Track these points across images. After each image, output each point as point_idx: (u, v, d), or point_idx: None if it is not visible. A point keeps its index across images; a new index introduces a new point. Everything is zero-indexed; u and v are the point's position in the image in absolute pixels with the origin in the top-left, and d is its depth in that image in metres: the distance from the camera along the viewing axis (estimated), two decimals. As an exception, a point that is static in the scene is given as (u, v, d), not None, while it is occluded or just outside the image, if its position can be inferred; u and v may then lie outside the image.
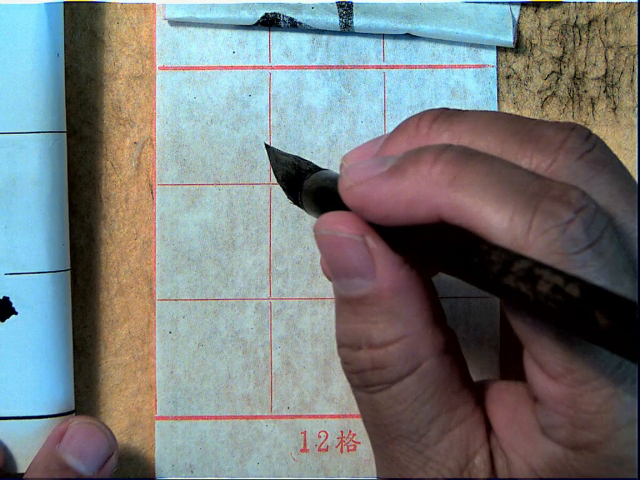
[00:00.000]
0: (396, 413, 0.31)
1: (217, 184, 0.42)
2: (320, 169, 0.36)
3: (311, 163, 0.37)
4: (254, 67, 0.42)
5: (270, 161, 0.39)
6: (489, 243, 0.27)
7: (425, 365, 0.31)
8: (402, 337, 0.31)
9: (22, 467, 0.39)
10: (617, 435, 0.28)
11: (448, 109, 0.32)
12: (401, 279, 0.31)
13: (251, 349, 0.42)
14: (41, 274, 0.39)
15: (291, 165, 0.36)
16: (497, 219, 0.28)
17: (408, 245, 0.30)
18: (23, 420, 0.39)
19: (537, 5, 0.42)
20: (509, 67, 0.42)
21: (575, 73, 0.42)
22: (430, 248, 0.29)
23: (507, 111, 0.42)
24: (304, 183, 0.36)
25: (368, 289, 0.31)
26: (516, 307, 0.27)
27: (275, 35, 0.42)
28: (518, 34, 0.42)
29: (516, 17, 0.42)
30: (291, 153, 0.38)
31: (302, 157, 0.39)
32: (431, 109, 0.32)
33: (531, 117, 0.42)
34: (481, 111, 0.32)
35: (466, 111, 0.32)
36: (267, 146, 0.40)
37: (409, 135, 0.32)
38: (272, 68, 0.42)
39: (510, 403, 0.32)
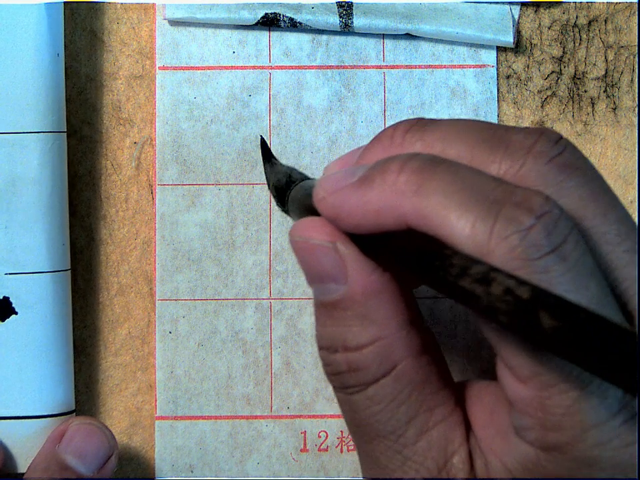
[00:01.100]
0: (373, 413, 0.32)
1: (217, 184, 0.42)
2: (309, 179, 0.37)
3: (304, 174, 0.37)
4: (254, 67, 0.42)
5: (264, 167, 0.39)
6: (452, 248, 0.28)
7: (400, 366, 0.31)
8: (376, 340, 0.31)
9: (22, 466, 0.39)
10: (585, 437, 0.28)
11: (423, 118, 0.33)
12: (373, 283, 0.31)
13: (250, 349, 0.42)
14: (41, 274, 0.39)
15: (283, 173, 0.37)
16: (459, 226, 0.28)
17: (379, 250, 0.31)
18: (23, 420, 0.39)
19: (537, 4, 0.42)
20: (509, 67, 0.42)
21: (575, 73, 0.42)
22: (398, 253, 0.30)
23: (507, 111, 0.42)
24: (290, 192, 0.36)
25: (341, 293, 0.31)
26: (472, 310, 0.28)
27: (275, 35, 0.42)
28: (518, 34, 0.42)
29: (516, 17, 0.42)
30: (286, 165, 0.39)
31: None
32: (407, 119, 0.33)
33: (531, 116, 0.42)
34: (455, 119, 0.32)
35: (440, 120, 0.33)
36: (264, 153, 0.40)
37: (384, 145, 0.33)
38: (272, 68, 0.42)
39: (488, 403, 0.32)
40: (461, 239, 0.28)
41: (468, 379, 0.38)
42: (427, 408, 0.32)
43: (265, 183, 0.42)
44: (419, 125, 0.32)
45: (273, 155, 0.39)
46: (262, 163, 0.42)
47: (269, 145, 0.42)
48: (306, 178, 0.37)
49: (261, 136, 0.41)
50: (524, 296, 0.25)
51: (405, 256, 0.29)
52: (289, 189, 0.36)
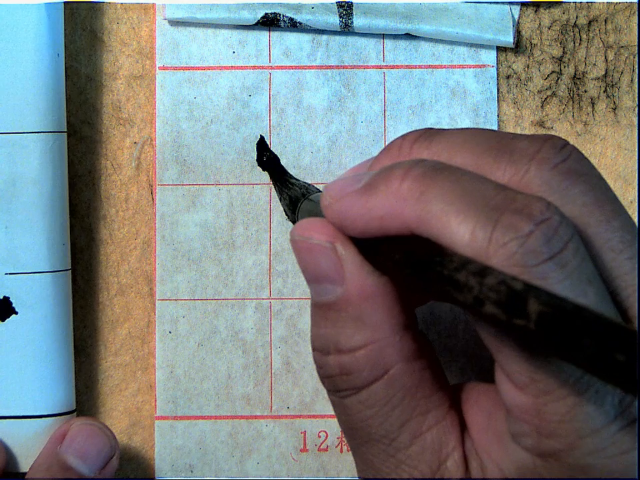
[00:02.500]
0: (366, 417, 0.32)
1: (217, 184, 0.42)
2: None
3: (320, 190, 0.37)
4: (254, 67, 0.42)
5: (276, 182, 0.40)
6: (454, 251, 0.28)
7: (392, 371, 0.31)
8: (369, 343, 0.31)
9: (24, 466, 0.39)
10: (580, 444, 0.28)
11: (431, 128, 0.33)
12: (369, 286, 0.32)
13: (250, 348, 0.42)
14: (41, 274, 0.39)
15: (300, 186, 0.38)
16: (459, 232, 0.28)
17: (382, 252, 0.31)
18: (23, 419, 0.39)
19: (537, 4, 0.42)
20: (509, 67, 0.42)
21: (575, 73, 0.42)
22: (401, 252, 0.30)
23: (507, 111, 0.42)
24: (301, 204, 0.37)
25: (337, 294, 0.32)
26: (461, 305, 0.28)
27: (275, 34, 0.42)
28: (518, 34, 0.42)
29: (516, 17, 0.42)
30: (303, 181, 0.39)
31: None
32: (415, 130, 0.33)
33: (531, 116, 0.42)
34: (462, 129, 0.33)
35: (447, 130, 0.33)
36: (277, 170, 0.40)
37: (393, 155, 0.33)
38: (272, 68, 0.42)
39: (486, 407, 0.32)
40: (461, 245, 0.28)
41: (468, 379, 0.38)
42: (420, 412, 0.32)
43: (265, 183, 0.42)
44: (427, 134, 0.33)
45: (287, 171, 0.40)
46: (258, 163, 0.42)
47: (268, 144, 0.42)
48: (318, 190, 0.38)
49: (261, 135, 0.41)
50: (517, 287, 0.26)
51: (406, 255, 0.29)
52: (300, 202, 0.37)
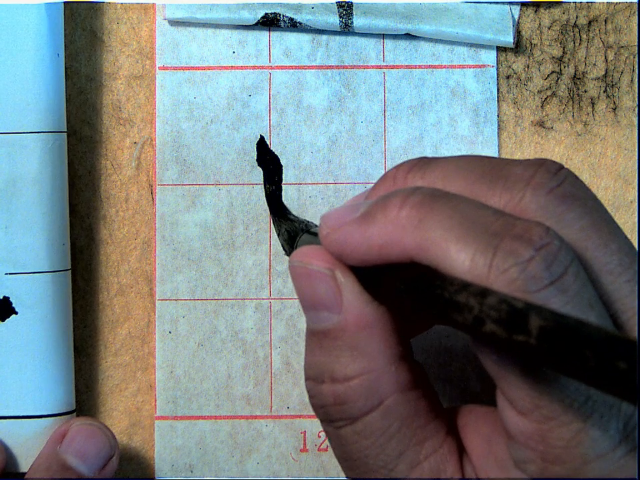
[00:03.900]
0: (363, 448, 0.32)
1: (217, 184, 0.42)
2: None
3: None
4: (254, 67, 0.42)
5: (273, 216, 0.40)
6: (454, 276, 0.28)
7: (388, 401, 0.31)
8: (364, 373, 0.31)
9: (23, 466, 0.39)
10: (586, 470, 0.28)
11: (424, 157, 0.33)
12: (367, 315, 0.32)
13: (250, 348, 0.42)
14: (41, 274, 0.39)
15: (300, 222, 0.38)
16: (459, 259, 0.28)
17: (382, 280, 0.31)
18: (23, 419, 0.39)
19: (537, 4, 0.42)
20: (509, 67, 0.42)
21: (575, 73, 0.42)
22: (401, 278, 0.30)
23: (507, 111, 0.42)
24: (300, 237, 0.37)
25: (333, 322, 0.32)
26: (461, 327, 0.28)
27: (275, 34, 0.42)
28: (518, 34, 0.42)
29: (516, 17, 0.42)
30: (303, 218, 0.40)
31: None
32: (409, 160, 0.34)
33: (531, 116, 0.42)
34: (455, 156, 0.33)
35: (441, 158, 0.33)
36: (277, 206, 0.41)
37: (387, 185, 0.33)
38: (272, 68, 0.42)
39: (485, 433, 0.32)
40: (461, 272, 0.28)
41: (471, 385, 0.38)
42: (417, 441, 0.31)
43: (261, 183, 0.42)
44: (420, 164, 0.33)
45: (286, 207, 0.40)
46: (258, 163, 0.42)
47: (268, 144, 0.42)
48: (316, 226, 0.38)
49: (261, 135, 0.41)
50: (518, 305, 0.26)
51: (407, 281, 0.30)
52: (299, 235, 0.37)
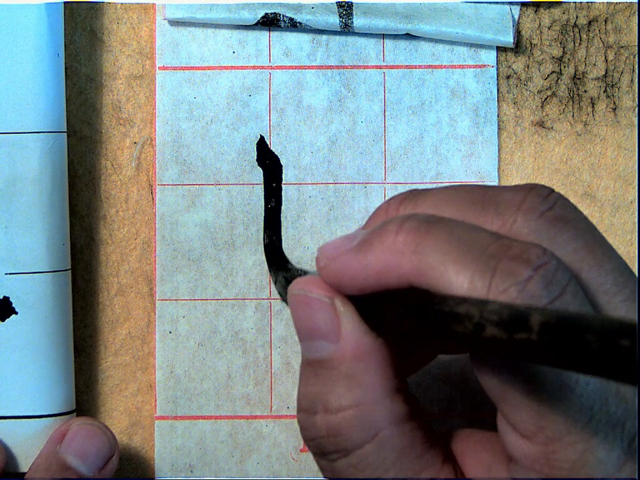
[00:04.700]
0: None
1: (217, 184, 0.42)
2: None
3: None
4: (254, 67, 0.42)
5: (270, 266, 0.41)
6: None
7: (382, 433, 0.31)
8: (359, 404, 0.31)
9: (23, 466, 0.39)
10: None
11: (415, 190, 0.34)
12: (365, 346, 0.31)
13: (250, 348, 0.42)
14: (41, 274, 0.39)
15: (297, 270, 0.38)
16: (458, 281, 0.28)
17: (381, 307, 0.31)
18: (23, 419, 0.39)
19: (537, 4, 0.42)
20: (509, 67, 0.42)
21: (575, 73, 0.42)
22: (402, 304, 0.30)
23: (507, 111, 0.42)
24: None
25: (330, 351, 0.32)
26: (462, 341, 0.27)
27: (275, 34, 0.42)
28: (518, 34, 0.42)
29: (516, 17, 0.42)
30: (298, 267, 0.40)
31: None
32: (399, 193, 0.34)
33: (531, 116, 0.42)
34: (444, 187, 0.33)
35: (431, 189, 0.33)
36: (277, 256, 0.41)
37: (381, 218, 0.33)
38: (272, 68, 0.42)
39: (485, 459, 0.32)
40: (461, 294, 0.28)
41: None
42: (414, 472, 0.31)
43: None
44: (411, 196, 0.33)
45: (286, 257, 0.40)
46: (258, 163, 0.42)
47: (268, 144, 0.42)
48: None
49: (261, 135, 0.41)
50: (519, 308, 0.26)
51: (406, 304, 0.30)
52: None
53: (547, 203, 0.31)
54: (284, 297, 0.40)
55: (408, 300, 0.30)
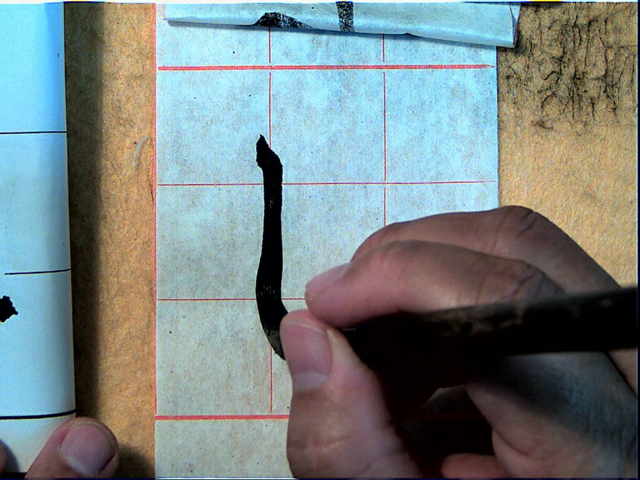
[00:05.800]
0: None
1: (217, 184, 0.42)
2: None
3: None
4: (254, 67, 0.42)
5: (263, 321, 0.41)
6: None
7: (374, 465, 0.31)
8: (350, 435, 0.31)
9: (23, 466, 0.39)
10: None
11: (395, 223, 0.34)
12: (357, 377, 0.32)
13: (250, 348, 0.42)
14: (40, 274, 0.39)
15: None
16: (445, 300, 0.29)
17: (373, 336, 0.32)
18: (23, 419, 0.39)
19: (537, 4, 0.42)
20: (509, 67, 0.42)
21: (575, 73, 0.42)
22: (393, 326, 0.30)
23: (507, 111, 0.42)
24: None
25: (322, 382, 0.32)
26: (449, 345, 0.27)
27: (275, 34, 0.42)
28: (518, 34, 0.42)
29: (516, 17, 0.42)
30: None
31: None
32: (378, 229, 0.35)
33: (531, 116, 0.42)
34: (424, 217, 0.34)
35: (409, 221, 0.34)
36: (270, 314, 0.41)
37: (365, 252, 0.33)
38: (272, 68, 0.42)
39: None
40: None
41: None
42: None
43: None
44: (392, 229, 0.34)
45: (284, 307, 0.41)
46: (258, 163, 0.42)
47: (268, 145, 0.42)
48: None
49: (261, 136, 0.41)
50: (506, 303, 0.26)
51: (397, 326, 0.30)
52: None
53: (525, 222, 0.31)
54: (277, 349, 0.40)
55: (397, 323, 0.30)
